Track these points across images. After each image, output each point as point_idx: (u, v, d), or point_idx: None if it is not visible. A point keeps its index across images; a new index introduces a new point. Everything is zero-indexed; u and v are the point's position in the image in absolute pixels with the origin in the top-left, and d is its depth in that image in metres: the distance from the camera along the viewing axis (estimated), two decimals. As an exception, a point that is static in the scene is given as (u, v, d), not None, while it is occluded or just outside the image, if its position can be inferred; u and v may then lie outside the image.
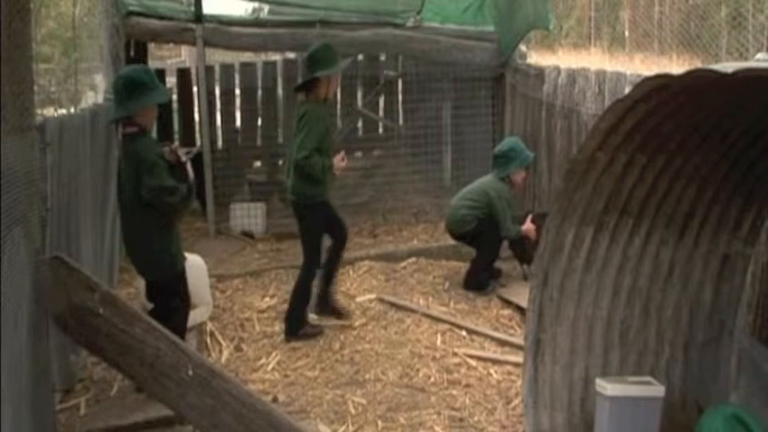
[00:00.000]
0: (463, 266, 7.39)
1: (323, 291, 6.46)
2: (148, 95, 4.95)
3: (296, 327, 6.17)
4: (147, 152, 4.84)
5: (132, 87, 4.86)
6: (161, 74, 11.64)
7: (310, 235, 6.18)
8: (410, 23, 9.24)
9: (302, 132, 5.90)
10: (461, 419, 4.93)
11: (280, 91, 9.85)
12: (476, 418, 4.94)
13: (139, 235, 4.96)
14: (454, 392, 5.30)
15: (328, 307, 6.50)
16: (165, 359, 3.87)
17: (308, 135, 5.87)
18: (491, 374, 5.59)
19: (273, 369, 5.68)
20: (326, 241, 6.33)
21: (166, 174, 4.87)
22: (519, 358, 5.24)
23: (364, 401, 5.15)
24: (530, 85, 8.57)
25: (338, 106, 9.96)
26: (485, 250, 7.23)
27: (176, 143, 11.07)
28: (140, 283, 6.07)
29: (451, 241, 7.60)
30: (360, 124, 10.51)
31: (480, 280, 7.15)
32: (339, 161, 6.09)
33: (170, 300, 5.06)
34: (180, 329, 4.96)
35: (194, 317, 6.01)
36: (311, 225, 6.16)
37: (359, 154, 10.41)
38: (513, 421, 4.91)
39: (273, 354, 5.90)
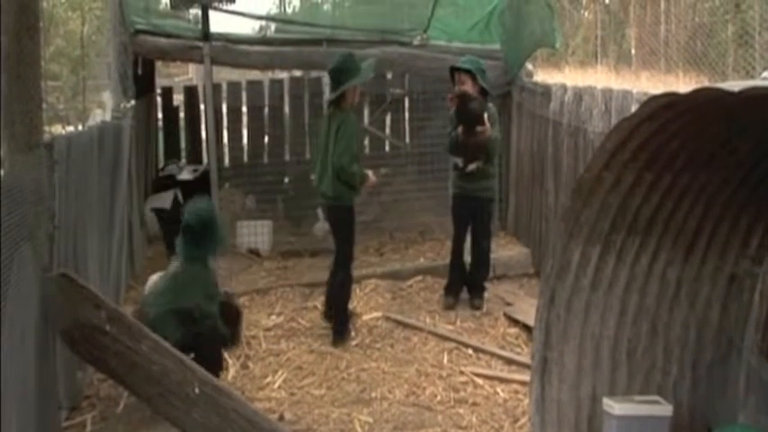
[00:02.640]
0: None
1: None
2: None
3: (345, 329, 6.44)
4: None
5: None
6: (168, 91, 11.73)
7: (347, 236, 6.55)
8: (417, 42, 9.26)
9: (343, 140, 6.27)
10: (468, 438, 4.92)
11: (286, 109, 9.87)
12: (482, 437, 4.93)
13: None
14: (461, 411, 5.28)
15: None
16: (171, 376, 3.88)
17: (349, 142, 6.29)
18: (498, 393, 5.57)
19: (280, 387, 5.67)
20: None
21: None
22: (526, 377, 5.22)
23: (371, 420, 5.13)
24: (536, 103, 8.58)
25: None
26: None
27: (183, 161, 11.16)
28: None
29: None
30: (366, 142, 10.53)
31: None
32: (373, 176, 6.57)
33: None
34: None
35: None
36: (348, 226, 6.54)
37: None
38: (520, 440, 4.89)
39: (280, 372, 5.89)
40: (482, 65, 7.19)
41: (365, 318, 6.80)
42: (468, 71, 7.11)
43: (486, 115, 7.01)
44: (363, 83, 6.61)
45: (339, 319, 6.49)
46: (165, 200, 9.44)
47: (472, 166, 7.13)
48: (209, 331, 4.95)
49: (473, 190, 7.22)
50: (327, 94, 9.81)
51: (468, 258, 7.43)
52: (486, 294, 7.36)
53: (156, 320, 4.70)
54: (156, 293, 5.13)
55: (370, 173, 6.54)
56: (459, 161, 7.21)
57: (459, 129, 7.07)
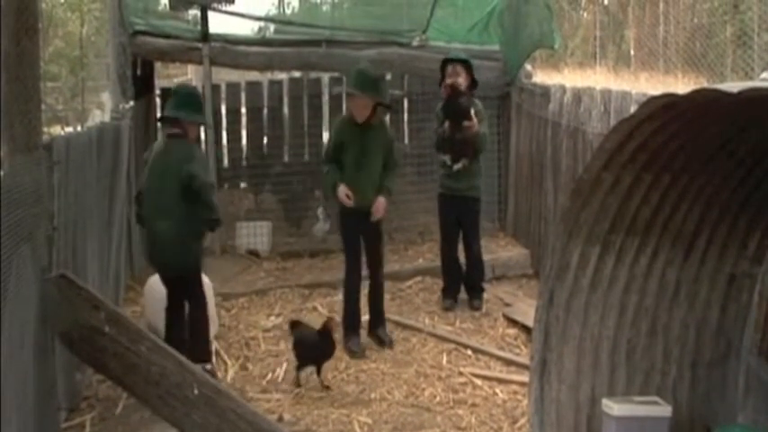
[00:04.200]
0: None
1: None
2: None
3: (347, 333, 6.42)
4: None
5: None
6: (167, 92, 11.72)
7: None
8: (416, 42, 9.26)
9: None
10: (467, 439, 4.92)
11: (286, 110, 9.87)
12: (482, 438, 4.93)
13: None
14: (460, 412, 5.28)
15: None
16: (170, 378, 3.87)
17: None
18: (497, 394, 5.57)
19: (279, 388, 5.67)
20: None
21: None
22: (525, 378, 5.22)
23: (370, 421, 5.13)
24: (535, 103, 8.58)
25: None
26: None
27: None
28: (148, 301, 6.10)
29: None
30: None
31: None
32: (344, 195, 6.31)
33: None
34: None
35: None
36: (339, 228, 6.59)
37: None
38: (520, 441, 4.89)
39: (279, 372, 5.89)
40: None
41: (364, 318, 6.79)
42: (462, 61, 7.11)
43: (473, 111, 7.01)
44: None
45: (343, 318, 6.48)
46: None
47: (458, 165, 7.14)
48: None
49: (460, 189, 7.22)
50: (327, 95, 9.85)
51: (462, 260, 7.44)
52: (484, 295, 7.36)
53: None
54: (199, 162, 5.61)
55: (341, 189, 6.24)
56: (447, 158, 7.21)
57: (446, 124, 7.07)
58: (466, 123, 6.97)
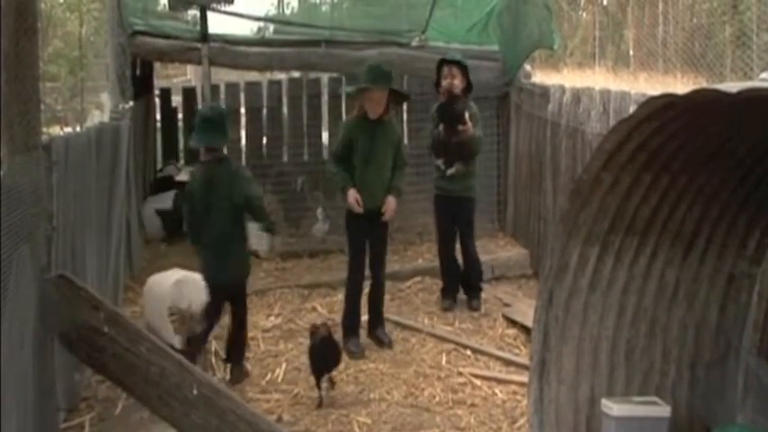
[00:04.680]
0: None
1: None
2: None
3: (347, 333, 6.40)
4: None
5: None
6: (166, 93, 11.73)
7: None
8: (415, 43, 9.26)
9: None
10: (466, 439, 4.92)
11: (285, 110, 9.87)
12: (481, 438, 4.93)
13: None
14: (459, 412, 5.28)
15: None
16: (169, 378, 3.87)
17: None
18: (496, 394, 5.57)
19: (278, 389, 5.66)
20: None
21: None
22: (524, 378, 5.22)
23: (369, 421, 5.13)
24: (534, 104, 8.58)
25: (343, 125, 9.96)
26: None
27: (181, 162, 11.15)
28: (147, 301, 6.10)
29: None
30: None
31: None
32: (352, 198, 6.28)
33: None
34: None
35: (199, 336, 6.01)
36: (346, 228, 6.55)
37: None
38: (519, 441, 4.89)
39: (278, 373, 5.89)
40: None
41: (363, 318, 6.79)
42: (458, 63, 7.11)
43: (467, 114, 7.01)
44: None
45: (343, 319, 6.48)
46: (165, 201, 9.46)
47: (452, 170, 7.13)
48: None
49: (455, 191, 7.22)
50: (326, 95, 9.85)
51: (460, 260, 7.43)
52: (482, 294, 7.36)
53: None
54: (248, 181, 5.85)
55: (351, 192, 6.23)
56: (440, 163, 7.20)
57: (441, 127, 7.07)
58: (461, 127, 6.98)
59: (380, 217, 6.30)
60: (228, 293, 5.83)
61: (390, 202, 6.32)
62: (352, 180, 6.26)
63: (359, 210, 6.21)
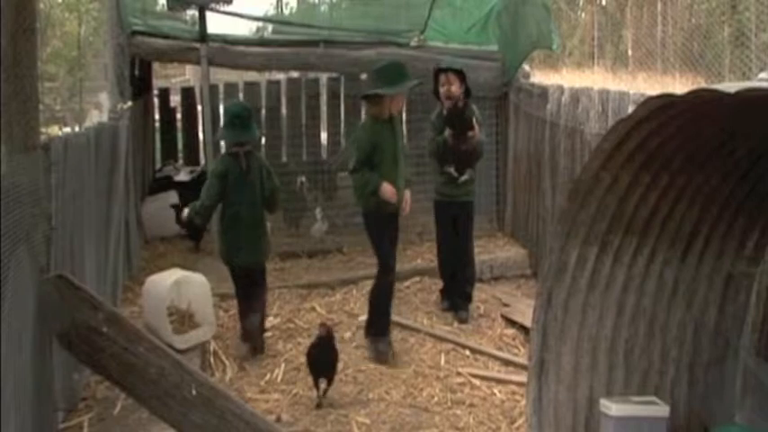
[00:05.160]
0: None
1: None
2: None
3: (377, 331, 6.33)
4: None
5: None
6: (165, 93, 11.73)
7: (373, 242, 6.46)
8: (413, 43, 9.26)
9: (352, 146, 6.42)
10: (465, 439, 4.92)
11: (283, 110, 9.87)
12: (480, 438, 4.93)
13: None
14: (458, 412, 5.28)
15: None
16: (168, 378, 3.87)
17: (354, 148, 6.35)
18: (495, 394, 5.57)
19: (277, 389, 5.66)
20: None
21: None
22: (523, 378, 5.23)
23: (368, 421, 5.14)
24: (533, 104, 8.59)
25: (342, 125, 9.98)
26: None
27: (180, 162, 11.15)
28: (146, 301, 6.10)
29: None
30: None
31: None
32: (391, 194, 6.20)
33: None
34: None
35: (198, 336, 6.01)
36: (369, 233, 6.48)
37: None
38: (518, 441, 4.89)
39: (277, 373, 5.89)
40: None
41: (362, 318, 6.79)
42: (456, 71, 7.09)
43: (474, 120, 7.01)
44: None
45: (370, 320, 6.38)
46: (165, 201, 9.46)
47: (465, 176, 7.12)
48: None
49: (459, 195, 7.20)
50: (325, 95, 9.84)
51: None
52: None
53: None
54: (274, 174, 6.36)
55: (387, 186, 6.14)
56: (452, 170, 7.16)
57: (447, 133, 7.04)
58: (470, 134, 6.97)
59: (400, 212, 6.37)
60: (252, 274, 6.24)
61: (408, 196, 6.40)
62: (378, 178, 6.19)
63: (395, 200, 6.20)
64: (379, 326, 6.31)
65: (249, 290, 6.24)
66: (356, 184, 6.37)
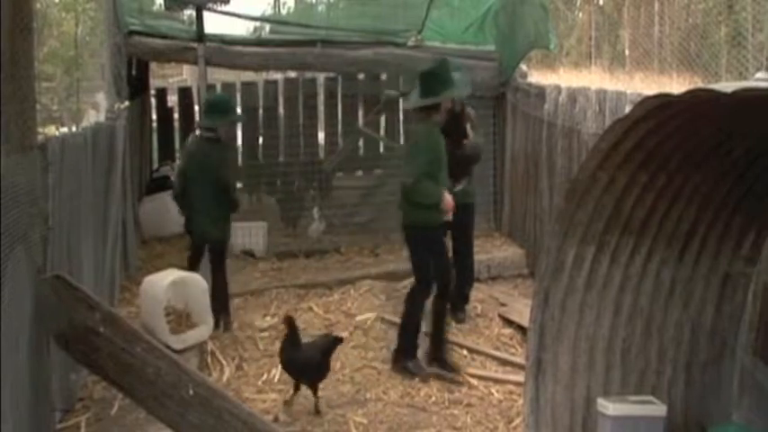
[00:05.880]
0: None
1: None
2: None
3: (408, 348, 6.00)
4: None
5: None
6: (162, 93, 11.71)
7: (416, 261, 6.20)
8: (411, 43, 9.25)
9: (416, 157, 6.06)
10: (463, 439, 4.92)
11: (281, 110, 9.87)
12: (477, 438, 4.93)
13: None
14: (455, 412, 5.28)
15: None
16: (165, 378, 3.86)
17: (418, 158, 6.04)
18: (492, 394, 5.57)
19: (274, 388, 5.66)
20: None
21: None
22: (520, 378, 5.23)
23: (365, 421, 5.13)
24: (530, 104, 8.59)
25: (339, 125, 9.98)
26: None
27: (177, 162, 11.12)
28: (143, 301, 6.09)
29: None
30: (361, 143, 10.51)
31: None
32: (449, 199, 6.03)
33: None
34: None
35: (195, 336, 6.01)
36: (415, 251, 6.25)
37: (360, 173, 10.40)
38: (515, 441, 4.89)
39: (274, 373, 5.88)
40: (458, 65, 7.00)
41: (359, 318, 6.79)
42: None
43: (468, 126, 6.98)
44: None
45: (404, 337, 6.07)
46: (163, 200, 9.44)
47: (460, 186, 7.04)
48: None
49: (457, 199, 7.14)
50: (322, 95, 9.83)
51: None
52: (477, 293, 7.27)
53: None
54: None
55: (449, 198, 5.96)
56: (449, 181, 7.11)
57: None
58: (466, 142, 6.92)
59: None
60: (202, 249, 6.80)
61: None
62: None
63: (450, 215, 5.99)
64: (412, 344, 6.01)
65: (197, 260, 6.81)
66: (415, 198, 5.97)
